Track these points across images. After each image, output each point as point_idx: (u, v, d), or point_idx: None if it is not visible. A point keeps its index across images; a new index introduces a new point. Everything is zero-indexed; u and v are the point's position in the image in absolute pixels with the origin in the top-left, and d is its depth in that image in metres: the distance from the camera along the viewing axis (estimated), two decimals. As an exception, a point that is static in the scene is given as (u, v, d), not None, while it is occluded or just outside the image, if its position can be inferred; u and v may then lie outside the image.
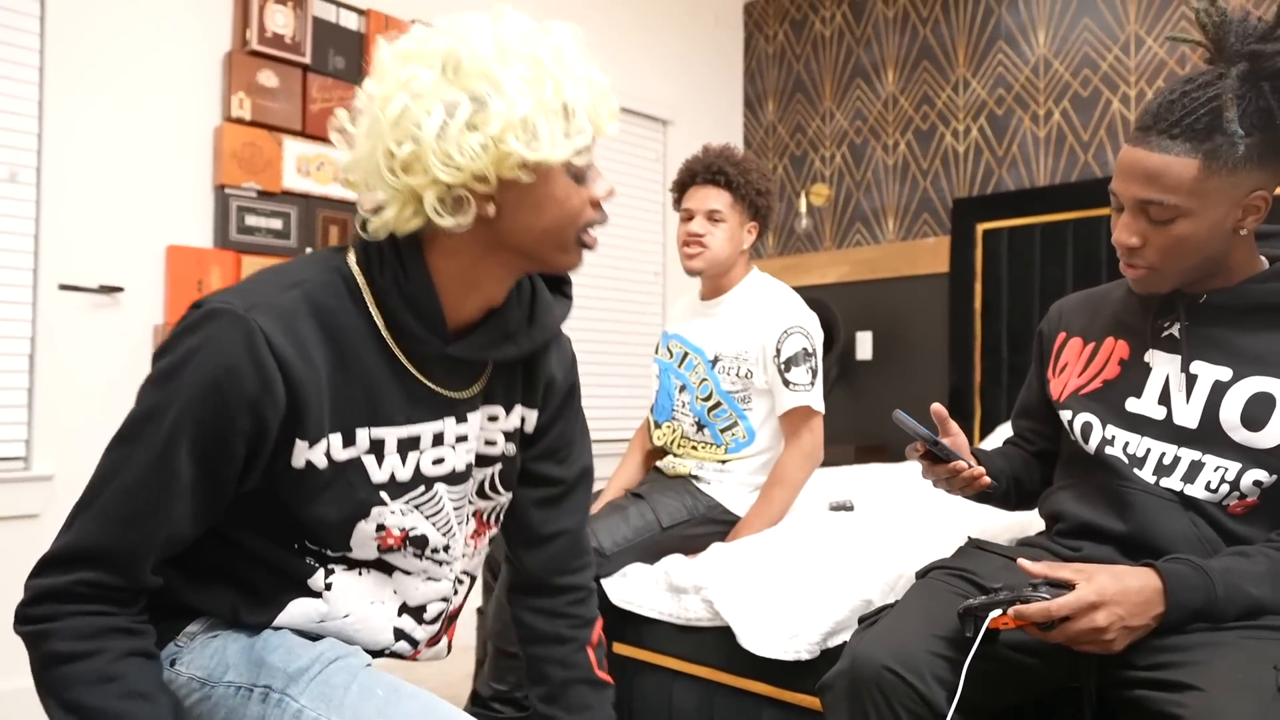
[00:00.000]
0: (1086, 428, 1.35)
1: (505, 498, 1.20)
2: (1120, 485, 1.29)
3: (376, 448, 1.02)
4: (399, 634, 1.11)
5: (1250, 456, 1.22)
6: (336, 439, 0.99)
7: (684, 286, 4.15)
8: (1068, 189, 3.42)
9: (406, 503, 1.06)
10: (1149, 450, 1.28)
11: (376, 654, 1.11)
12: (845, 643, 1.39)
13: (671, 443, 2.23)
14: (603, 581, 1.95)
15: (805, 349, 2.09)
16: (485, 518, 1.19)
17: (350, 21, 3.05)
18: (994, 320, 3.58)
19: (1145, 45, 3.33)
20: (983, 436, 3.55)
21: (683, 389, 2.21)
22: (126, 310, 2.60)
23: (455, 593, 1.18)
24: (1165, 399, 1.28)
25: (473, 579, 1.23)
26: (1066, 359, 1.44)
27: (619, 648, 1.94)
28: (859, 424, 4.03)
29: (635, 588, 1.91)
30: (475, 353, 1.06)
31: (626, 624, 1.92)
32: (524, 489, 1.23)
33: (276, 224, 2.85)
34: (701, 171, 2.16)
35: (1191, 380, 1.27)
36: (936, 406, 1.39)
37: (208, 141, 2.77)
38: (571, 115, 0.97)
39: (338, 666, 1.00)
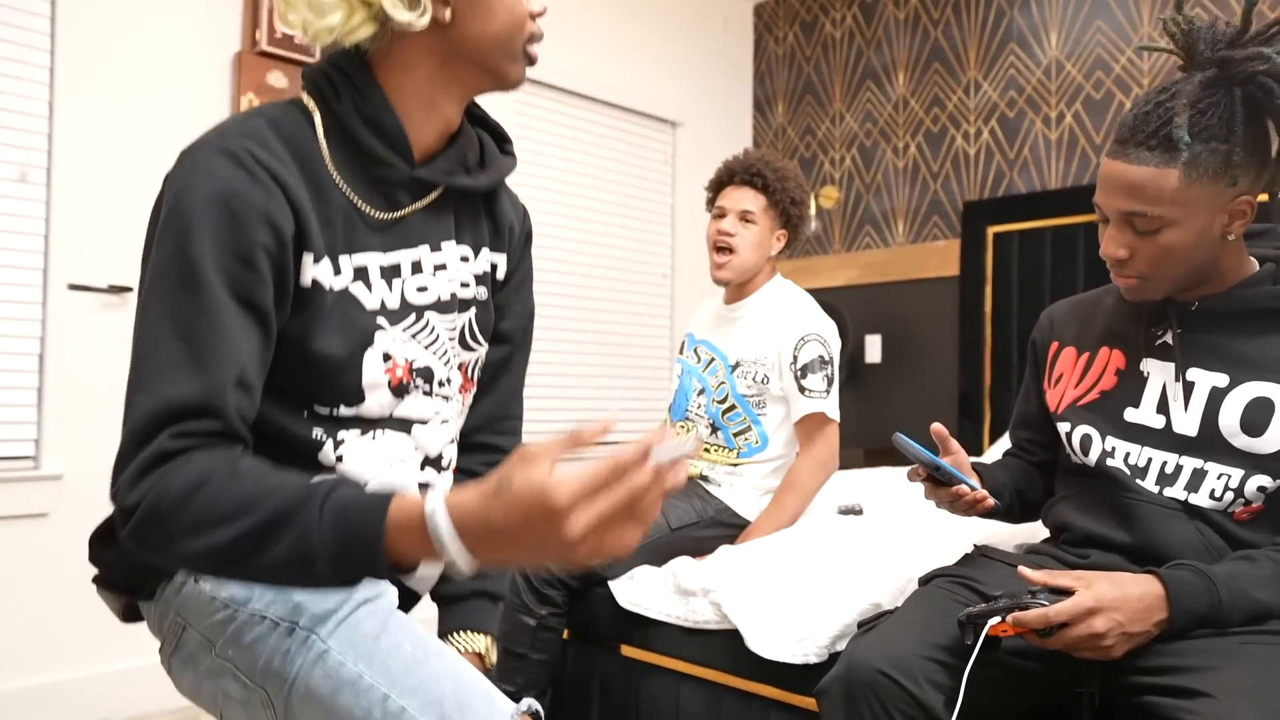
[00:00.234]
0: (1085, 441, 1.36)
1: (483, 350, 1.19)
2: (1124, 496, 1.30)
3: (361, 275, 1.02)
4: (423, 488, 1.10)
5: (1252, 462, 1.23)
6: (326, 264, 0.99)
7: (692, 289, 4.17)
8: (1080, 192, 3.43)
9: (404, 331, 1.06)
10: (1150, 460, 1.29)
11: None
12: (850, 647, 1.40)
13: None
14: (610, 584, 1.96)
15: (822, 356, 2.11)
16: (469, 372, 1.19)
17: (359, 22, 3.07)
18: (1004, 324, 3.59)
19: (1158, 48, 3.33)
20: (993, 441, 3.55)
21: (701, 391, 2.24)
22: (135, 310, 2.62)
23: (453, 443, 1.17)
24: (1164, 408, 1.30)
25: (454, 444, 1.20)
26: (1061, 369, 1.45)
27: (626, 650, 1.96)
28: (868, 427, 4.04)
29: (643, 590, 1.93)
30: (440, 176, 1.06)
31: (634, 626, 1.93)
32: None
33: (285, 224, 2.86)
34: (740, 171, 2.20)
35: (1189, 388, 1.28)
36: (936, 426, 1.39)
37: (217, 142, 2.79)
38: None
39: (368, 611, 0.99)
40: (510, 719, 0.95)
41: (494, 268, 1.19)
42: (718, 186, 2.26)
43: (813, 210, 4.25)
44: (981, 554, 1.45)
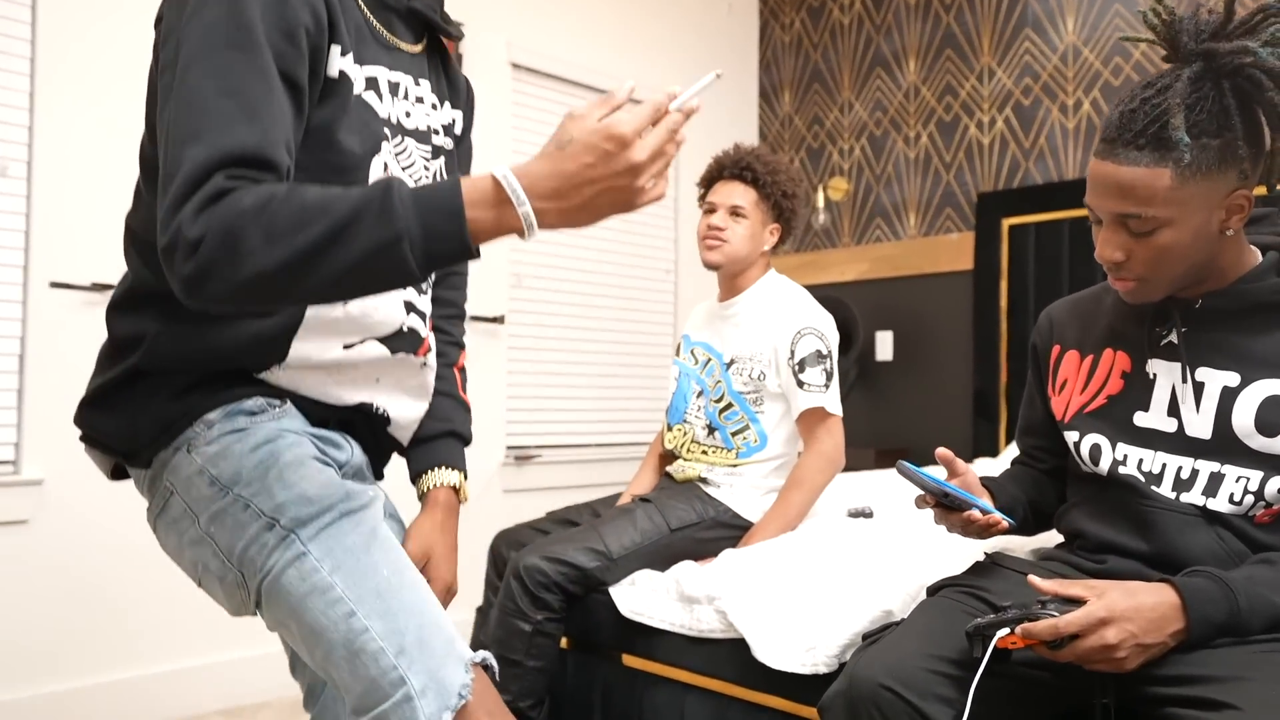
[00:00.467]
0: (1095, 450, 1.35)
1: None
2: (1139, 503, 1.29)
3: (373, 84, 1.13)
4: (409, 308, 1.20)
5: (1270, 463, 1.22)
6: (350, 61, 1.08)
7: (696, 284, 4.16)
8: (1098, 183, 3.41)
9: (393, 149, 1.16)
10: (1164, 465, 1.28)
11: (393, 344, 1.18)
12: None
13: (681, 446, 2.27)
14: (611, 590, 1.96)
15: (819, 350, 2.12)
16: None
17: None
18: (1020, 320, 3.58)
19: (1179, 32, 3.31)
20: (1009, 441, 3.54)
21: (700, 394, 2.26)
22: (119, 309, 2.61)
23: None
24: (1174, 410, 1.28)
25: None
26: (1065, 374, 1.43)
27: (628, 660, 1.95)
28: (879, 428, 4.02)
29: (645, 598, 1.92)
30: (430, 12, 1.22)
31: (637, 635, 1.92)
32: None
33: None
34: (730, 166, 2.24)
35: (1199, 388, 1.27)
36: (941, 451, 1.37)
37: (203, 134, 2.78)
38: None
39: (352, 523, 1.05)
40: (465, 666, 1.01)
41: (453, 123, 1.31)
42: (708, 181, 2.30)
43: (821, 203, 4.24)
44: (993, 561, 1.43)
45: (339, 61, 1.05)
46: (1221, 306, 1.28)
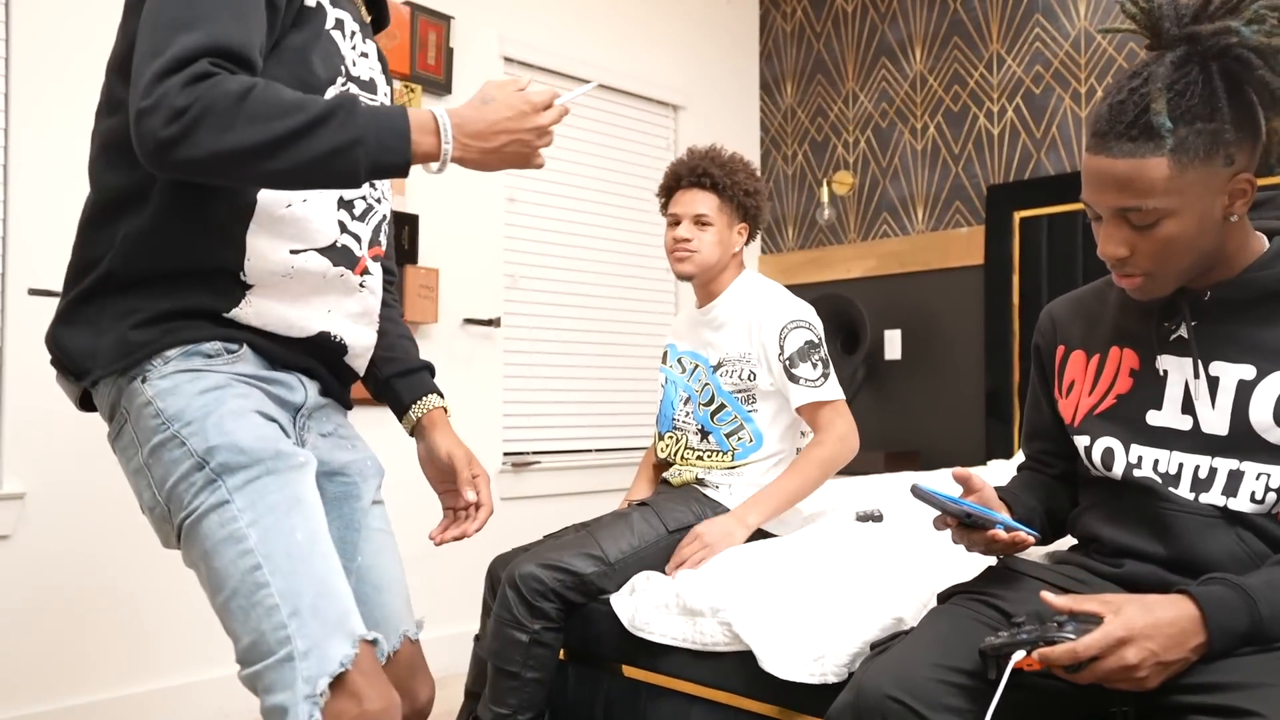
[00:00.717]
0: (1108, 455, 1.34)
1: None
2: (1157, 506, 1.28)
3: (339, 26, 1.29)
4: (342, 226, 1.32)
5: None
6: None
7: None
8: (1112, 173, 3.41)
9: (339, 88, 1.29)
10: (1181, 465, 1.27)
11: (332, 256, 1.30)
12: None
13: (675, 454, 2.29)
14: (611, 599, 1.95)
15: (810, 340, 2.15)
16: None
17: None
18: (1033, 316, 3.57)
19: (1194, 16, 3.32)
20: (1023, 442, 3.53)
21: (688, 400, 2.28)
22: (101, 316, 2.61)
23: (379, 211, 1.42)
24: (1189, 407, 1.28)
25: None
26: (1072, 376, 1.43)
27: (630, 671, 1.95)
28: (888, 429, 4.02)
29: (647, 613, 1.91)
30: None
31: (638, 646, 1.92)
32: None
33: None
34: (686, 175, 2.27)
35: (1213, 383, 1.26)
36: (957, 471, 1.36)
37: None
38: None
39: (280, 481, 1.15)
40: (353, 641, 1.10)
41: (388, 95, 1.45)
42: (667, 192, 2.32)
43: (825, 198, 4.24)
44: (1006, 566, 1.43)
45: None
46: (1231, 297, 1.27)
